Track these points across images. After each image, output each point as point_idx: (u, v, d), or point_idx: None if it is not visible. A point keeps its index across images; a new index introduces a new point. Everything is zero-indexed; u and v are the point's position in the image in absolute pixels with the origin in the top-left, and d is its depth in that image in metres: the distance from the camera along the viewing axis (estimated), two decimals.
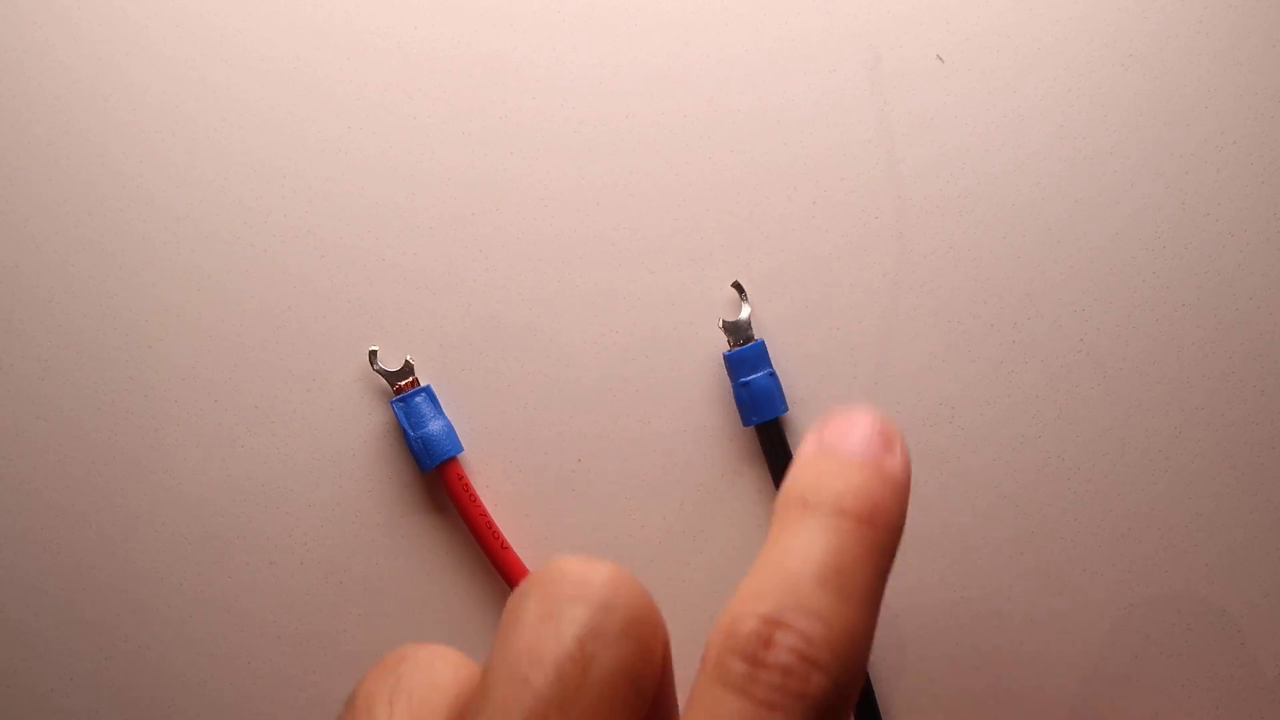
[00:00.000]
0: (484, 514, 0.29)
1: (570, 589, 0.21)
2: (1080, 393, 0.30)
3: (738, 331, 0.29)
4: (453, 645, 0.28)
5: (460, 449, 0.29)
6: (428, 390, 0.29)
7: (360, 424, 0.30)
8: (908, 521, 0.29)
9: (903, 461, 0.23)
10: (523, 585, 0.21)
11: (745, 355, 0.29)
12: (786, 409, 0.29)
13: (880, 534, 0.22)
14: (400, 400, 0.29)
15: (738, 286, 0.29)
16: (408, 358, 0.30)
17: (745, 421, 0.29)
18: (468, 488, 0.29)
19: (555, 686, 0.20)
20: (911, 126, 0.30)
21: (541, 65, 0.30)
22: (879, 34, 0.30)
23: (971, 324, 0.30)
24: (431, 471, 0.29)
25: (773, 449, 0.29)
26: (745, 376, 0.29)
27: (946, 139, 0.30)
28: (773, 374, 0.29)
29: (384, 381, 0.29)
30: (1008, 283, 0.30)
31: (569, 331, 0.30)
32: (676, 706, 0.22)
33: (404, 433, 0.29)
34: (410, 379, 0.29)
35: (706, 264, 0.30)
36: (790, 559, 0.21)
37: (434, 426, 0.29)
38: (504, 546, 0.29)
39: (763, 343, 0.29)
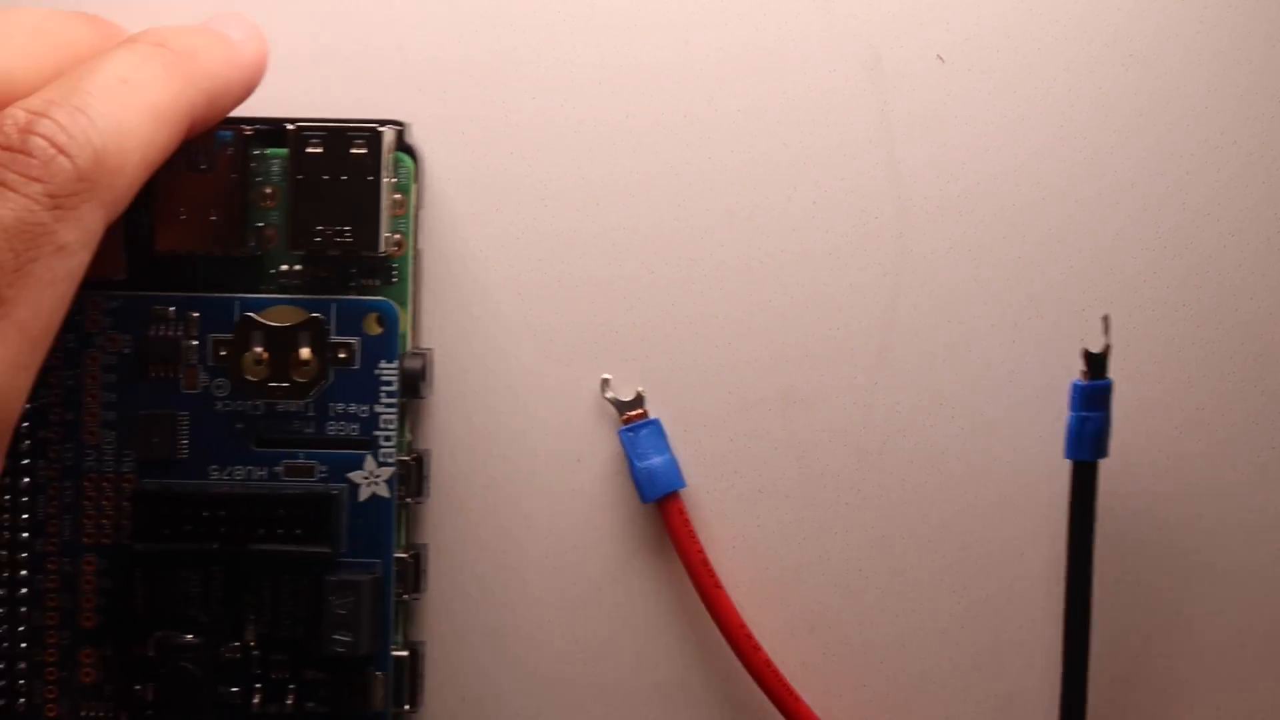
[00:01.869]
0: (701, 551, 0.30)
1: None
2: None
3: (1096, 365, 0.29)
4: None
5: (683, 484, 0.30)
6: (656, 424, 0.30)
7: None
8: (908, 522, 0.30)
9: (254, 40, 0.27)
10: None
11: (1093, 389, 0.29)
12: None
13: (191, 67, 0.25)
14: (628, 430, 0.30)
15: (1105, 321, 0.29)
16: (640, 390, 0.30)
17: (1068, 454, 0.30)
18: (687, 523, 0.30)
19: None
20: (911, 126, 0.30)
21: (542, 66, 0.30)
22: (879, 34, 0.30)
23: (971, 324, 0.30)
24: (652, 504, 0.30)
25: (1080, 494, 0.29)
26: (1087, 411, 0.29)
27: (946, 139, 0.30)
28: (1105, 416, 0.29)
29: (614, 410, 0.30)
30: (1008, 283, 0.30)
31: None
32: None
33: (629, 462, 0.30)
34: (640, 410, 0.30)
35: (703, 263, 0.30)
36: (83, 69, 0.24)
37: (659, 459, 0.30)
38: (718, 586, 0.30)
39: (1110, 383, 0.29)
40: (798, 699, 0.30)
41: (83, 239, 0.22)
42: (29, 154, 0.21)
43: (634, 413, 0.30)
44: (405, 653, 0.29)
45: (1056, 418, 0.30)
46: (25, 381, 0.21)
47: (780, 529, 0.31)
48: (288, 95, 0.30)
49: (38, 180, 0.21)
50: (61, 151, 0.22)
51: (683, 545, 0.30)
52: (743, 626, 0.30)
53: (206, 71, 0.26)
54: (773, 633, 0.30)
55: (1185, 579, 0.30)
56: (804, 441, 0.31)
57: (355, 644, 0.28)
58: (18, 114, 0.22)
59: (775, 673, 0.30)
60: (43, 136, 0.22)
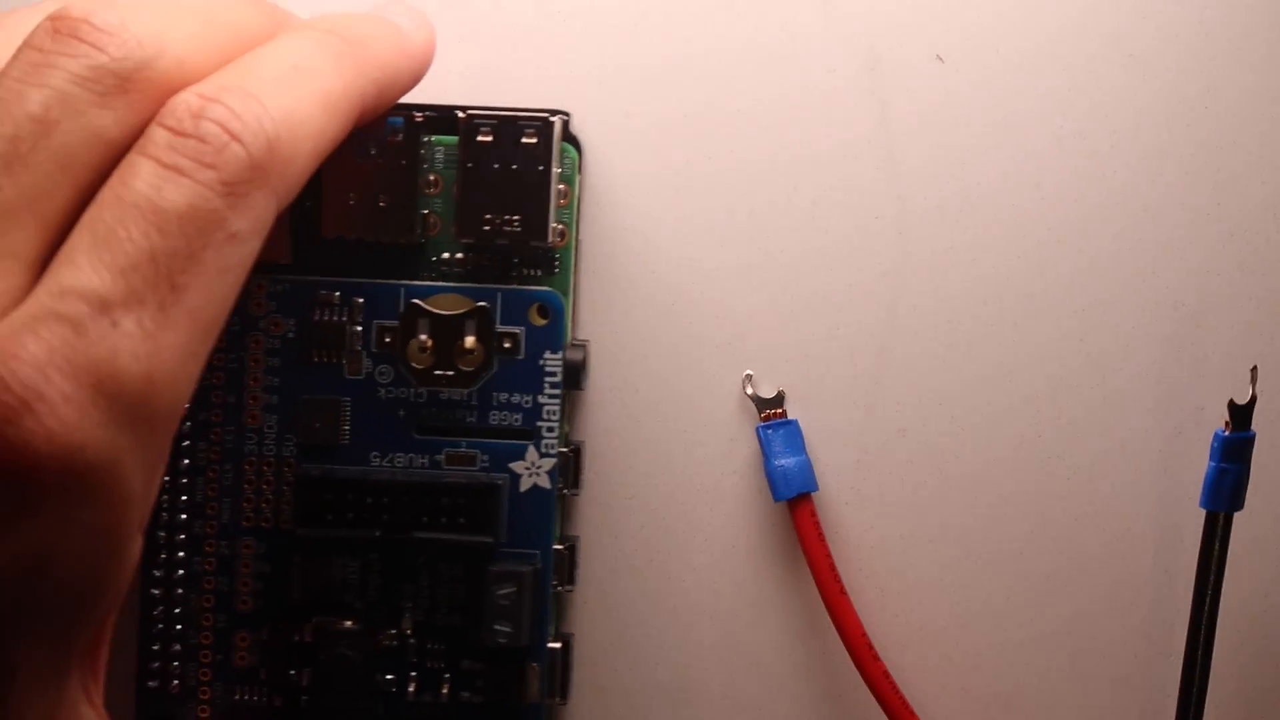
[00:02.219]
0: (828, 555, 0.30)
1: (81, 50, 0.22)
2: (1080, 393, 0.30)
3: (1240, 417, 0.29)
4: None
5: (815, 487, 0.30)
6: (794, 424, 0.30)
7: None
8: (907, 522, 0.30)
9: (423, 29, 0.27)
10: (46, 22, 0.22)
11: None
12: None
13: (362, 56, 0.25)
14: (766, 427, 0.30)
15: (1253, 372, 0.29)
16: (781, 389, 0.30)
17: None
18: (816, 526, 0.30)
19: (8, 144, 0.21)
20: (911, 126, 0.30)
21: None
22: (879, 34, 0.30)
23: (971, 324, 0.30)
24: (783, 504, 0.30)
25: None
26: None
27: (946, 139, 0.30)
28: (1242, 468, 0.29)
29: (753, 406, 0.30)
30: (1008, 283, 0.30)
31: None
32: None
33: (764, 459, 0.30)
34: (780, 409, 0.30)
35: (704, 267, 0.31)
36: (255, 56, 0.23)
37: (792, 460, 0.30)
38: (842, 592, 0.30)
39: (1253, 435, 0.29)
40: (912, 714, 0.30)
41: (254, 227, 0.22)
42: (202, 139, 0.21)
43: (773, 411, 0.30)
44: (558, 644, 0.29)
45: (1057, 416, 0.30)
46: (195, 369, 0.21)
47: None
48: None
49: (210, 167, 0.21)
50: (235, 138, 0.21)
51: (810, 547, 0.30)
52: (864, 635, 0.30)
53: (377, 60, 0.26)
54: (893, 643, 0.30)
55: (1187, 579, 0.30)
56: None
57: (515, 635, 0.28)
58: (190, 99, 0.22)
59: (892, 684, 0.30)
60: (215, 122, 0.21)
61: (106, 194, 0.21)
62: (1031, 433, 0.30)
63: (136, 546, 0.21)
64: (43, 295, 0.20)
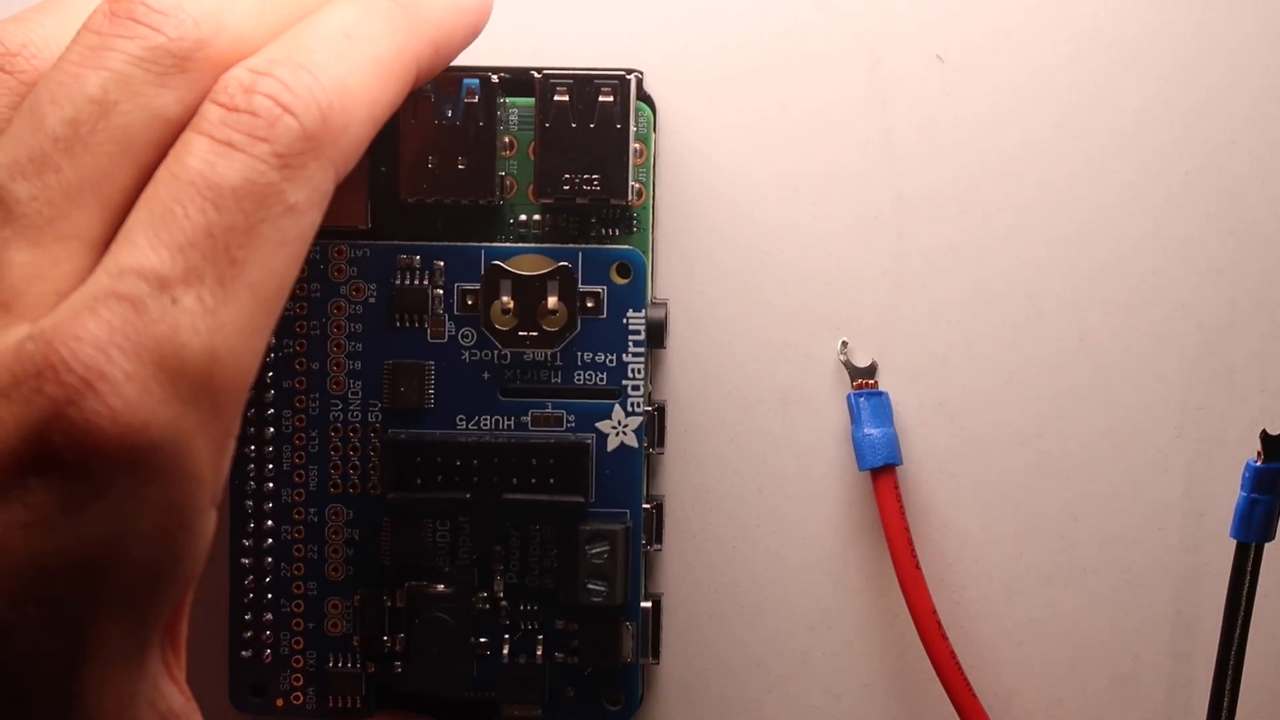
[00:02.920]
0: (906, 530, 0.30)
1: (138, 32, 0.22)
2: (1080, 393, 0.30)
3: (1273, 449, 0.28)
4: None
5: (899, 460, 0.30)
6: (884, 396, 0.30)
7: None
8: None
9: None
10: (104, 5, 0.22)
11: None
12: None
13: (414, 17, 0.25)
14: (857, 395, 0.30)
15: None
16: (874, 359, 0.30)
17: None
18: (897, 500, 0.30)
19: (68, 126, 0.21)
20: (911, 126, 0.30)
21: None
22: (879, 34, 0.30)
23: (971, 324, 0.30)
24: (866, 473, 0.30)
25: None
26: None
27: (947, 139, 0.30)
28: None
29: (846, 374, 0.30)
30: (1008, 283, 0.30)
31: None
32: None
33: (852, 426, 0.30)
34: (872, 380, 0.30)
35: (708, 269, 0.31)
36: (306, 25, 0.23)
37: (880, 430, 0.30)
38: (917, 567, 0.29)
39: None
40: (974, 697, 0.30)
41: (312, 198, 0.22)
42: (254, 114, 0.21)
43: (866, 381, 0.30)
44: (649, 604, 0.29)
45: (1056, 416, 0.30)
46: (259, 343, 0.21)
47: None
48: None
49: (264, 140, 0.21)
50: (287, 110, 0.21)
51: (889, 520, 0.30)
52: (933, 612, 0.30)
53: (430, 20, 0.25)
54: (962, 623, 0.30)
55: (1187, 579, 0.30)
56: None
57: (610, 593, 0.28)
58: (242, 74, 0.22)
59: (957, 665, 0.30)
60: (267, 96, 0.21)
61: (163, 172, 0.21)
62: (1032, 432, 0.30)
63: (210, 522, 0.21)
64: (102, 275, 0.20)
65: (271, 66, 0.22)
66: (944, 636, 0.30)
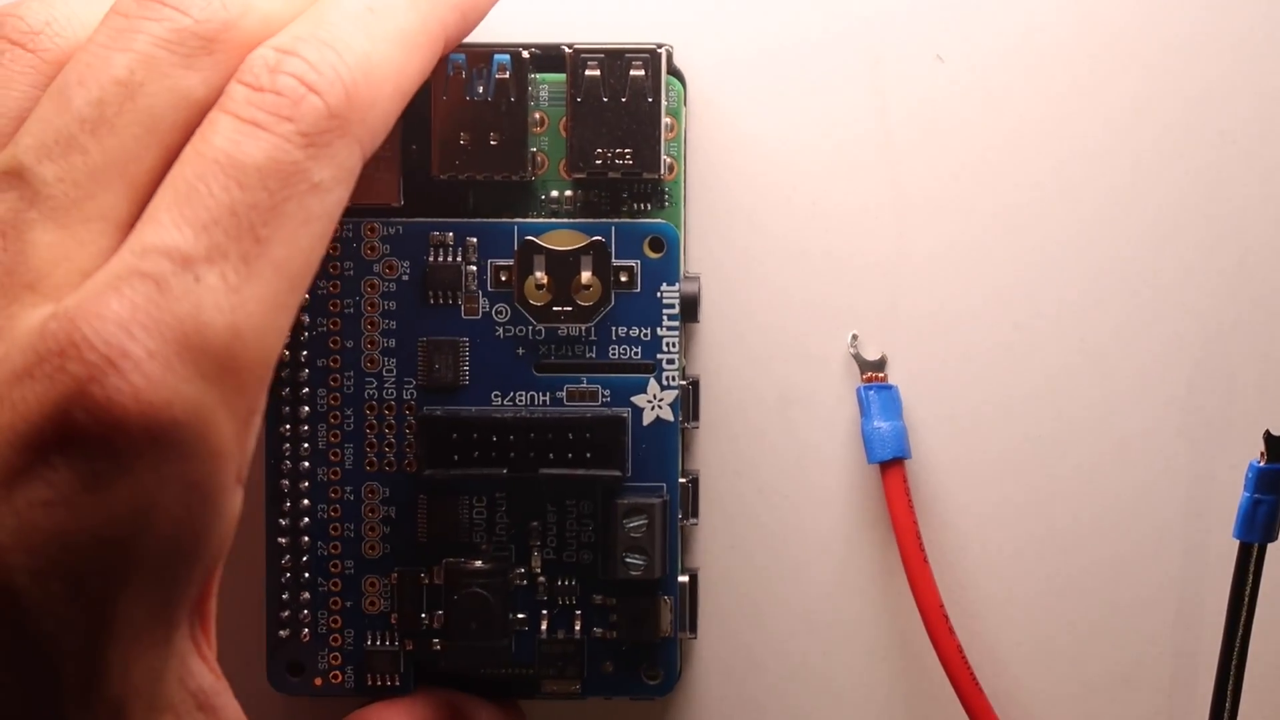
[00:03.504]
0: (914, 522, 0.30)
1: (165, 14, 0.22)
2: (1080, 393, 0.30)
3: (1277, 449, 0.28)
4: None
5: (907, 454, 0.30)
6: (894, 390, 0.30)
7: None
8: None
9: None
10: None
11: None
12: None
13: None
14: (866, 389, 0.30)
15: None
16: (884, 353, 0.30)
17: None
18: (905, 494, 0.30)
19: (95, 108, 0.21)
20: (911, 126, 0.30)
21: None
22: (879, 34, 0.30)
23: (972, 324, 0.30)
24: (875, 466, 0.30)
25: None
26: None
27: (947, 139, 0.30)
28: None
29: (856, 367, 0.30)
30: (1008, 283, 0.30)
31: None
32: None
33: (861, 419, 0.30)
34: (882, 374, 0.30)
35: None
36: (329, 1, 0.23)
37: (889, 424, 0.30)
38: (925, 561, 0.29)
39: None
40: (980, 692, 0.29)
41: (337, 175, 0.22)
42: (278, 93, 0.21)
43: (875, 374, 0.30)
44: (685, 578, 0.29)
45: (1056, 416, 0.30)
46: (285, 321, 0.21)
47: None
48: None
49: (288, 119, 0.21)
50: (311, 89, 0.21)
51: (897, 512, 0.30)
52: (940, 607, 0.29)
53: None
54: (969, 618, 0.30)
55: (1187, 579, 0.31)
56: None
57: (648, 567, 0.28)
58: (267, 54, 0.22)
59: (964, 660, 0.29)
60: (292, 75, 0.21)
61: (188, 152, 0.21)
62: (1032, 432, 0.30)
63: (235, 499, 0.21)
64: (125, 254, 0.20)
65: (296, 45, 0.22)
66: (951, 631, 0.29)
